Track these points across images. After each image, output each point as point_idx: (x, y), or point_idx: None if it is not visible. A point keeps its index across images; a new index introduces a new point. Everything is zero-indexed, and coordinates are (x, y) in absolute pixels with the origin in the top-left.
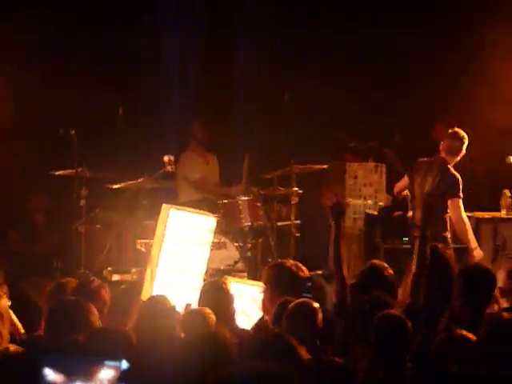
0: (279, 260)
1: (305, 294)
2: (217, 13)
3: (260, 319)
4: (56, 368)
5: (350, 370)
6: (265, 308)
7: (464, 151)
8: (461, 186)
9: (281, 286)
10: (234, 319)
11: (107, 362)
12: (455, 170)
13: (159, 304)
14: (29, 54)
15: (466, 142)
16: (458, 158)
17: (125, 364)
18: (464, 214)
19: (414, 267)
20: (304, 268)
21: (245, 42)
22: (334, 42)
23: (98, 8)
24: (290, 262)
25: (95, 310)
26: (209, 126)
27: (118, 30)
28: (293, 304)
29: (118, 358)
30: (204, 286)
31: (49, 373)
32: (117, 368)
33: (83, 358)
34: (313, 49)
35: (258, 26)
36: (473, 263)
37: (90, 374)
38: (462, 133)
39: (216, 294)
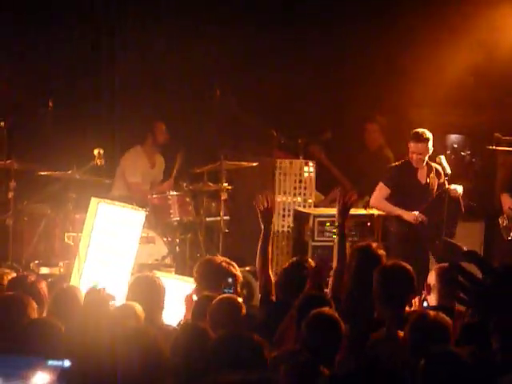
0: (209, 256)
1: (226, 290)
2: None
3: (185, 316)
4: None
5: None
6: (190, 304)
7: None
8: (387, 175)
9: (210, 282)
10: (160, 315)
11: (49, 362)
12: None
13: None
14: None
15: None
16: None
17: (67, 363)
18: (376, 196)
19: (334, 263)
20: (234, 264)
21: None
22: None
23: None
24: (220, 258)
25: (35, 305)
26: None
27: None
28: (217, 299)
29: (57, 356)
30: (135, 279)
31: None
32: (57, 368)
33: (22, 358)
34: (240, 43)
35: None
36: (391, 262)
37: (28, 374)
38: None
39: (148, 289)
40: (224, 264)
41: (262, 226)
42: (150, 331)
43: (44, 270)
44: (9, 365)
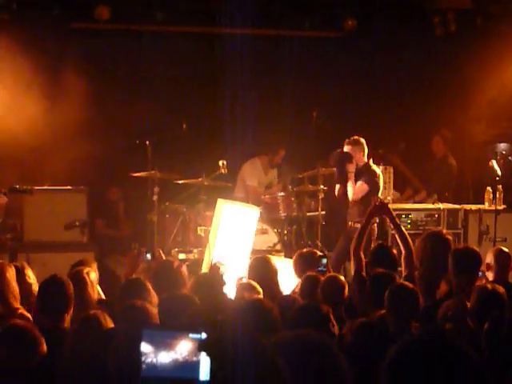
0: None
1: (320, 269)
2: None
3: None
4: (147, 340)
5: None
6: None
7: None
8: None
9: (307, 265)
10: (278, 287)
11: (190, 335)
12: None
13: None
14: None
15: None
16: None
17: (204, 335)
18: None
19: (402, 248)
20: (318, 251)
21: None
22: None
23: None
24: (309, 250)
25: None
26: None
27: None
28: (327, 277)
29: (198, 330)
30: (252, 260)
31: (142, 345)
32: (197, 339)
33: (168, 331)
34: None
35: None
36: (463, 246)
37: (174, 345)
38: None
39: (263, 267)
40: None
41: (366, 218)
42: (266, 302)
43: (182, 256)
44: (157, 337)
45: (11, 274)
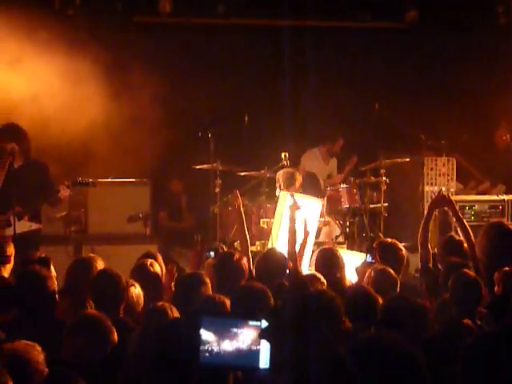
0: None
1: (369, 260)
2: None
3: (358, 281)
4: (209, 328)
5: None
6: (364, 274)
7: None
8: None
9: (387, 260)
10: (344, 279)
11: (250, 322)
12: None
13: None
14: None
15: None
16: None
17: (264, 323)
18: None
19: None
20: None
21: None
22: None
23: None
24: (391, 241)
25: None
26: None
27: None
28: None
29: (258, 318)
30: (319, 252)
31: (203, 333)
32: (257, 327)
33: (230, 320)
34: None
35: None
36: None
37: (236, 333)
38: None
39: (330, 259)
40: (394, 244)
41: (428, 210)
42: (329, 292)
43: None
44: (220, 325)
45: (99, 266)
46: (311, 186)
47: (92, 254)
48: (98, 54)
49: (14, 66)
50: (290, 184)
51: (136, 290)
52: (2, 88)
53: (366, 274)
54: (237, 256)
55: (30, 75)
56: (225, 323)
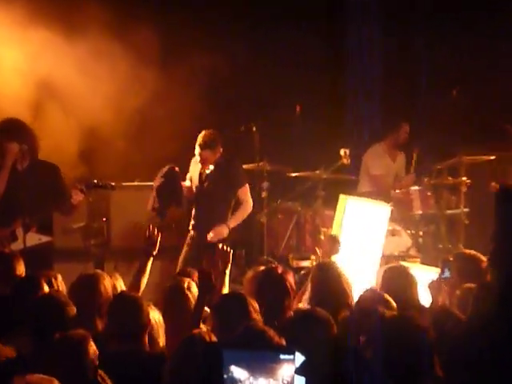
0: (462, 251)
1: (445, 276)
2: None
3: (433, 302)
4: (239, 364)
5: None
6: (442, 293)
7: None
8: None
9: (467, 275)
10: (418, 302)
11: (283, 356)
12: None
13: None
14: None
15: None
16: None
17: (299, 357)
18: None
19: None
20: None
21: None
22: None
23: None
24: (471, 252)
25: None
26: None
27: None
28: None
29: (291, 351)
30: (386, 271)
31: (234, 369)
32: (293, 361)
33: (262, 352)
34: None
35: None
36: None
37: (271, 369)
38: None
39: (399, 279)
40: (477, 258)
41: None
42: (404, 315)
43: (296, 264)
44: (252, 360)
45: (107, 285)
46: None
47: (100, 271)
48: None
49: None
50: None
51: (156, 316)
52: None
53: (443, 293)
54: (281, 271)
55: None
56: (258, 357)
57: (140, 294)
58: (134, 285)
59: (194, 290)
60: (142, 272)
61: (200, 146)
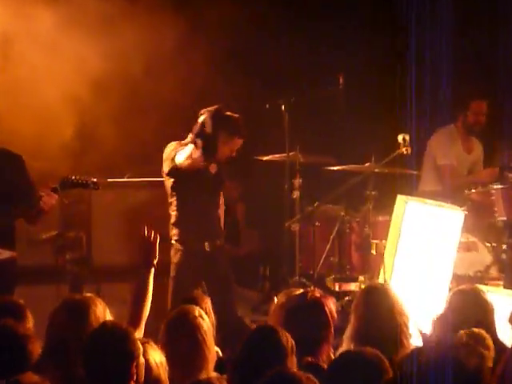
0: None
1: None
2: None
3: None
4: None
5: None
6: None
7: None
8: None
9: None
10: (497, 338)
11: None
12: None
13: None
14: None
15: None
16: None
17: None
18: None
19: None
20: None
21: None
22: None
23: None
24: None
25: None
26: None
27: None
28: None
29: None
30: (455, 293)
31: None
32: None
33: None
34: None
35: None
36: None
37: None
38: None
39: (473, 306)
40: None
41: None
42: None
43: (339, 287)
44: None
45: (100, 311)
46: None
47: (90, 294)
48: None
49: None
50: None
51: (157, 358)
52: None
53: None
54: (319, 296)
55: None
56: None
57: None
58: (135, 313)
59: (206, 321)
60: (142, 292)
61: (241, 133)
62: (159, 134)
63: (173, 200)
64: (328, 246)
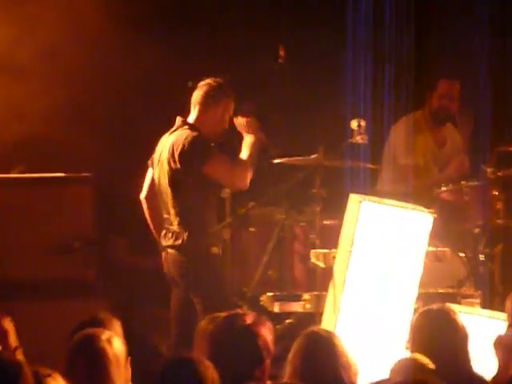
0: None
1: None
2: None
3: (500, 371)
4: None
5: None
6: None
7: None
8: None
9: None
10: (470, 369)
11: None
12: None
13: (320, 343)
14: None
15: None
16: None
17: None
18: None
19: None
20: None
21: None
22: None
23: None
24: None
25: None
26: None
27: None
28: None
29: None
30: (421, 315)
31: None
32: None
33: None
34: None
35: None
36: None
37: None
38: None
39: (442, 331)
40: None
41: None
42: None
43: (279, 307)
44: None
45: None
46: None
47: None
48: None
49: None
50: None
51: None
52: None
53: None
54: (252, 321)
55: None
56: None
57: None
58: None
59: (118, 346)
60: None
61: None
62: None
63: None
64: (265, 258)
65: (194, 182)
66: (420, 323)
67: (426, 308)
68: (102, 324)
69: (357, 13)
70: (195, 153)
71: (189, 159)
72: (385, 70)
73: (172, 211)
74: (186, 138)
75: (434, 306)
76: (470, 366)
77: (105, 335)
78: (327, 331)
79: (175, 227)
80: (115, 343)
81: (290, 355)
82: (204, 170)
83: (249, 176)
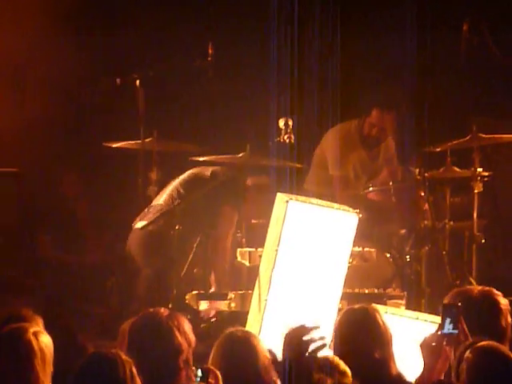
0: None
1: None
2: None
3: (426, 371)
4: None
5: None
6: (442, 357)
7: None
8: None
9: (483, 327)
10: (396, 371)
11: None
12: None
13: (237, 344)
14: None
15: None
16: None
17: None
18: None
19: None
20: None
21: None
22: None
23: None
24: (478, 287)
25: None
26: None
27: None
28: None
29: None
30: (344, 316)
31: None
32: None
33: None
34: None
35: None
36: None
37: None
38: None
39: (364, 331)
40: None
41: None
42: None
43: (205, 305)
44: None
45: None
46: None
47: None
48: None
49: None
50: None
51: None
52: None
53: (451, 357)
54: (166, 315)
55: None
56: None
57: None
58: None
59: (44, 341)
60: None
61: None
62: None
63: None
64: (191, 256)
65: None
66: (341, 322)
67: (348, 307)
68: (24, 320)
69: (284, 10)
70: None
71: None
72: (312, 69)
73: None
74: None
75: (356, 306)
76: (392, 366)
77: (32, 329)
78: (245, 331)
79: None
80: (42, 338)
81: (211, 357)
82: None
83: None
